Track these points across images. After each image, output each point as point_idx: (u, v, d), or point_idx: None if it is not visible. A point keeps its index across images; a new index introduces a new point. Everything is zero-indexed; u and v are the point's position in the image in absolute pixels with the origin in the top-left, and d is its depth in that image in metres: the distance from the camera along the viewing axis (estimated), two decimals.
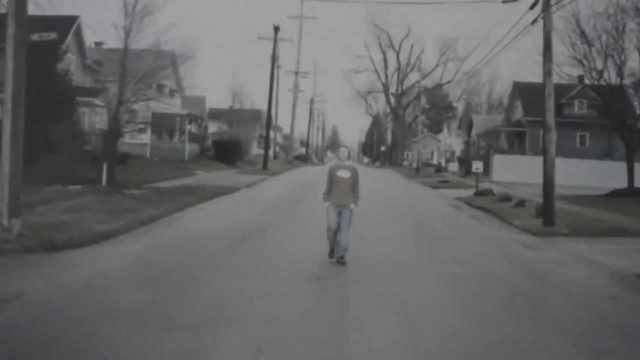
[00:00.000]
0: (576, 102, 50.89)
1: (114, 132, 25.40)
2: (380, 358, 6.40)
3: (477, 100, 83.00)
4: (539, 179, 18.75)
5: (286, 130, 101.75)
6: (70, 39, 37.55)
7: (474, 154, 55.16)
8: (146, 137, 43.44)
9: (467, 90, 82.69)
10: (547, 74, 18.13)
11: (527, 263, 12.57)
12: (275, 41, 50.51)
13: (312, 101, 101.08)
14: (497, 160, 44.19)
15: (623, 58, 29.31)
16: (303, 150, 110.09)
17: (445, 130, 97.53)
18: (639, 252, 13.91)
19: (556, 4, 18.38)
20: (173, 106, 46.81)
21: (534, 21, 18.59)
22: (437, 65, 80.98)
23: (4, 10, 13.48)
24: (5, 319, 7.21)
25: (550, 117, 18.04)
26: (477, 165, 31.72)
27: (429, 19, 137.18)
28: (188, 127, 49.14)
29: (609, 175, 36.20)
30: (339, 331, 7.10)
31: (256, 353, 6.30)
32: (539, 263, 12.64)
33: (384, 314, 7.96)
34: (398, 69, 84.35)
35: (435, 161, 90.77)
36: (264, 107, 65.89)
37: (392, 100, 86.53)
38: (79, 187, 21.54)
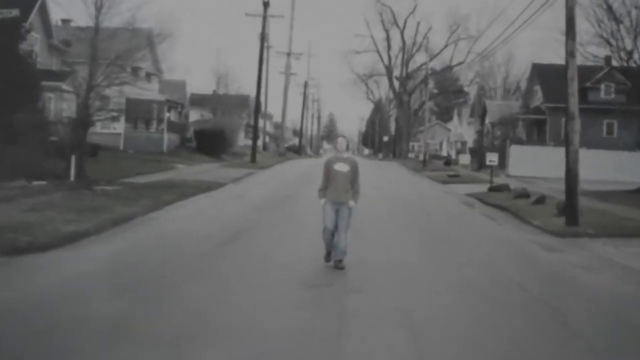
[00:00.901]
0: (603, 86, 50.93)
1: (83, 120, 25.30)
2: None
3: (491, 84, 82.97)
4: (561, 173, 18.75)
5: (277, 118, 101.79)
6: (34, 16, 37.38)
7: (487, 144, 55.18)
8: (120, 127, 43.32)
9: (480, 73, 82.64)
10: (570, 54, 18.10)
11: (548, 267, 12.57)
12: (264, 18, 50.43)
13: (306, 85, 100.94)
14: (514, 151, 44.23)
15: None
16: (296, 141, 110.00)
17: (455, 118, 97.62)
18: None
19: None
20: (150, 91, 46.67)
21: None
22: (446, 45, 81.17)
23: None
24: None
25: (574, 103, 18.03)
26: (492, 158, 31.70)
27: None
28: (167, 114, 49.02)
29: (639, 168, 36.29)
30: (337, 347, 7.07)
31: None
32: (561, 267, 12.63)
33: (387, 326, 7.93)
34: (403, 50, 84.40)
35: (444, 153, 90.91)
36: (252, 93, 65.81)
37: (396, 84, 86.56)
38: (44, 182, 21.46)
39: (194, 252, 12.22)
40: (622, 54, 30.33)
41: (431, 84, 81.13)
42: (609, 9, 29.15)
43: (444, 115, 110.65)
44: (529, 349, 7.31)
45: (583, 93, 44.83)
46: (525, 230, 17.70)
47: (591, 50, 31.08)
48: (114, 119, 35.20)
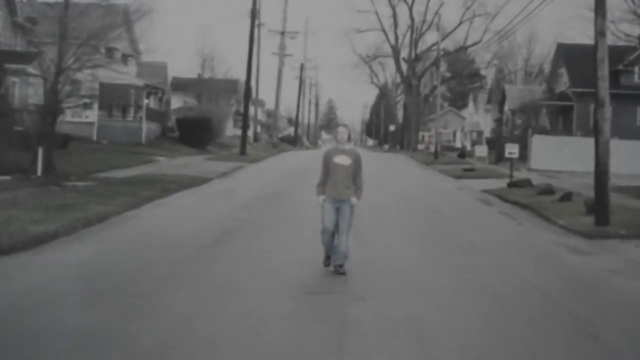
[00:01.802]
0: (637, 68, 50.91)
1: (51, 108, 25.27)
2: None
3: (511, 67, 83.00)
4: (590, 167, 18.72)
5: (270, 105, 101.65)
6: None
7: (507, 134, 55.19)
8: (93, 115, 43.30)
9: (499, 55, 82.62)
10: (600, 33, 18.08)
11: (576, 272, 12.56)
12: None
13: (302, 68, 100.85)
14: (537, 142, 44.21)
15: None
16: (291, 131, 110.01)
17: (470, 105, 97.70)
18: None
19: None
20: (126, 75, 46.65)
21: None
22: (460, 23, 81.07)
23: None
24: None
25: (604, 88, 18.01)
26: (512, 149, 31.69)
27: None
28: (146, 101, 48.99)
29: None
30: None
31: None
32: (590, 272, 12.63)
33: (394, 339, 7.91)
34: (411, 28, 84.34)
35: (458, 144, 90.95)
36: (241, 77, 65.76)
37: (404, 67, 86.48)
38: (7, 178, 21.45)
39: (177, 256, 12.21)
40: None
41: (443, 67, 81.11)
42: None
43: (458, 101, 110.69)
44: None
45: (614, 76, 44.81)
46: (550, 231, 17.69)
47: (623, 28, 31.11)
48: (86, 106, 35.17)
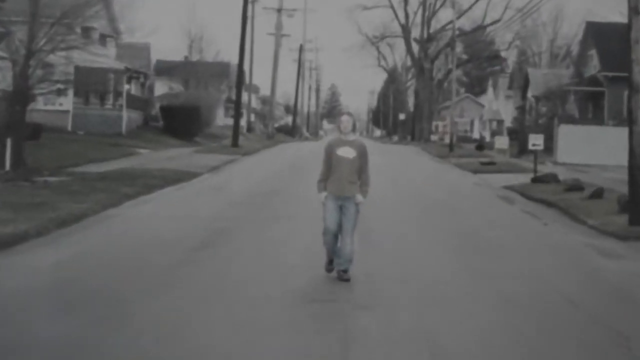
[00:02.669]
0: None
1: (21, 94, 25.22)
2: None
3: (534, 48, 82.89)
4: (623, 160, 18.66)
5: (265, 91, 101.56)
6: None
7: (530, 124, 55.16)
8: (67, 102, 43.25)
9: (521, 35, 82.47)
10: (634, 10, 18.01)
11: (609, 279, 12.53)
12: None
13: (301, 50, 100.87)
14: (564, 132, 44.14)
15: None
16: (289, 120, 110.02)
17: (490, 91, 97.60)
18: None
19: None
20: (105, 58, 46.44)
21: None
22: None
23: None
24: None
25: (639, 72, 17.97)
26: (536, 141, 31.60)
27: None
28: (126, 87, 48.94)
29: None
30: None
31: None
32: (623, 278, 12.60)
33: (404, 353, 7.90)
34: (423, 4, 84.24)
35: (476, 134, 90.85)
36: (233, 59, 65.63)
37: (415, 48, 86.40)
38: None
39: (161, 260, 12.20)
40: None
41: (459, 48, 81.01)
42: None
43: (476, 87, 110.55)
44: None
45: None
46: (578, 232, 17.66)
47: None
48: (60, 92, 35.09)
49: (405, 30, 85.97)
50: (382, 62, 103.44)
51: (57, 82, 29.23)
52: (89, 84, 43.69)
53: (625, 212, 18.25)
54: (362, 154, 11.14)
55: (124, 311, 9.05)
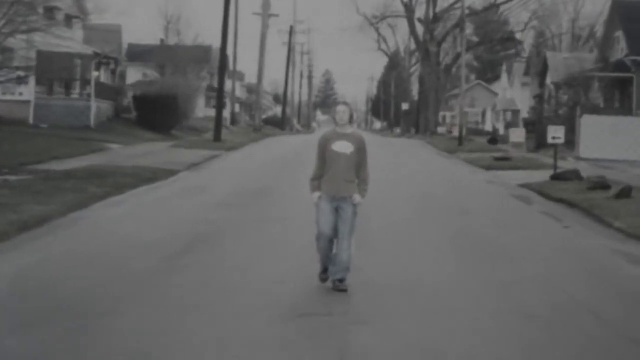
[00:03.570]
0: None
1: None
2: None
3: (554, 29, 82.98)
4: None
5: (251, 78, 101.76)
6: None
7: (550, 114, 55.15)
8: (29, 92, 43.14)
9: (539, 14, 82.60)
10: None
11: (636, 288, 12.55)
12: None
13: (292, 32, 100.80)
14: (587, 124, 44.17)
15: None
16: (278, 111, 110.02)
17: (504, 77, 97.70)
18: None
19: None
20: (71, 42, 46.48)
21: None
22: None
23: None
24: None
25: None
26: (556, 133, 31.61)
27: None
28: (95, 74, 48.91)
29: None
30: None
31: None
32: None
33: None
34: None
35: (488, 127, 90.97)
36: (215, 43, 65.72)
37: (420, 30, 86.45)
38: None
39: (135, 268, 12.18)
40: None
41: (469, 30, 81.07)
42: None
43: (488, 73, 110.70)
44: None
45: None
46: (604, 235, 17.67)
47: None
48: (21, 80, 35.10)
49: (409, 9, 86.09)
50: (383, 46, 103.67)
51: (17, 68, 29.25)
52: (53, 71, 43.65)
53: None
54: (361, 149, 11.13)
55: (92, 325, 9.04)
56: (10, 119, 38.15)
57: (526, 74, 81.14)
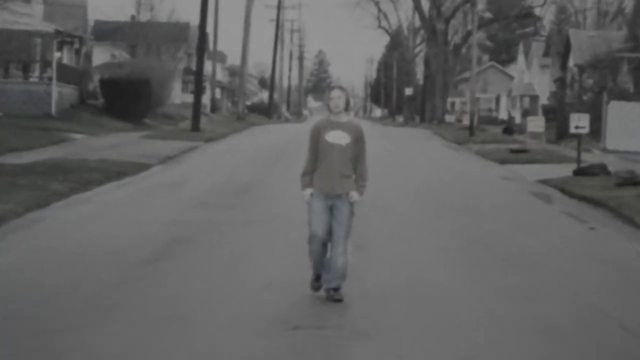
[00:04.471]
0: None
1: None
2: None
3: (577, 4, 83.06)
4: None
5: (234, 60, 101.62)
6: None
7: (573, 100, 55.19)
8: None
9: None
10: None
11: None
12: None
13: (280, 6, 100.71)
14: (615, 111, 44.15)
15: None
16: (264, 96, 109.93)
17: (520, 59, 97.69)
18: None
19: None
20: (29, 18, 46.39)
21: None
22: None
23: None
24: None
25: None
26: (579, 122, 31.64)
27: None
28: (57, 55, 48.75)
29: None
30: None
31: None
32: None
33: None
34: None
35: (503, 114, 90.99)
36: (193, 20, 65.66)
37: (425, 5, 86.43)
38: None
39: (102, 276, 12.16)
40: None
41: (481, 4, 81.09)
42: None
43: (503, 54, 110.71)
44: None
45: None
46: (634, 239, 17.70)
47: None
48: None
49: None
50: (384, 23, 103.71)
51: None
52: (9, 51, 43.51)
53: None
54: (358, 140, 11.12)
55: (50, 344, 9.01)
56: None
57: (546, 54, 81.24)
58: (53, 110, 45.39)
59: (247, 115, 78.06)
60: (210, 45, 73.99)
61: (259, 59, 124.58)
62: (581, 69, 59.30)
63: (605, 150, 40.17)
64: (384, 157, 31.53)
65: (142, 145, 36.26)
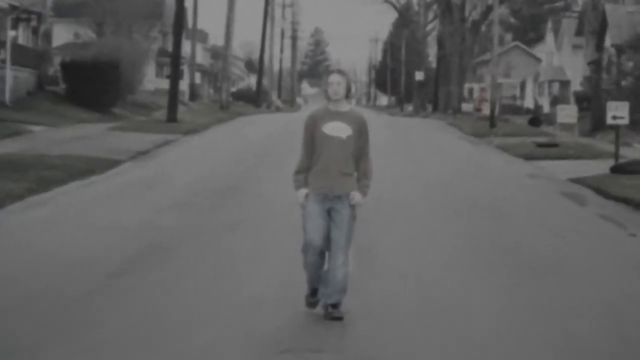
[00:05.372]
0: None
1: None
2: None
3: None
4: None
5: (217, 40, 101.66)
6: None
7: (610, 86, 55.24)
8: None
9: None
10: None
11: None
12: None
13: None
14: None
15: None
16: (252, 82, 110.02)
17: (549, 38, 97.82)
18: None
19: None
20: None
21: None
22: None
23: None
24: None
25: None
26: (617, 111, 31.66)
27: None
28: (12, 33, 48.84)
29: None
30: None
31: None
32: None
33: None
34: None
35: (529, 102, 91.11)
36: None
37: None
38: None
39: (64, 290, 12.17)
40: None
41: None
42: None
43: (529, 33, 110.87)
44: None
45: None
46: None
47: None
48: None
49: None
50: None
51: None
52: None
53: None
54: (361, 132, 11.11)
55: None
56: None
57: (578, 33, 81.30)
58: (7, 98, 45.48)
59: (232, 103, 78.13)
60: (189, 23, 74.11)
61: (246, 38, 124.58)
62: (619, 50, 59.37)
63: None
64: (391, 150, 31.55)
65: (111, 138, 36.33)
